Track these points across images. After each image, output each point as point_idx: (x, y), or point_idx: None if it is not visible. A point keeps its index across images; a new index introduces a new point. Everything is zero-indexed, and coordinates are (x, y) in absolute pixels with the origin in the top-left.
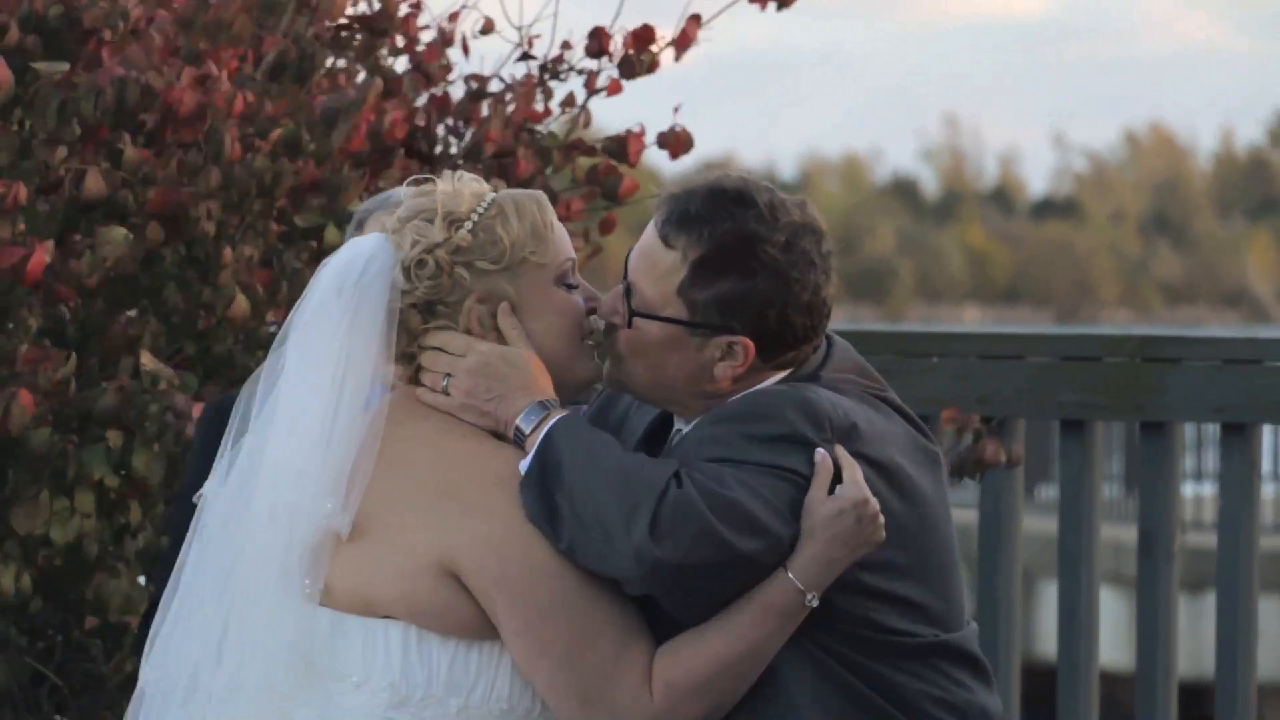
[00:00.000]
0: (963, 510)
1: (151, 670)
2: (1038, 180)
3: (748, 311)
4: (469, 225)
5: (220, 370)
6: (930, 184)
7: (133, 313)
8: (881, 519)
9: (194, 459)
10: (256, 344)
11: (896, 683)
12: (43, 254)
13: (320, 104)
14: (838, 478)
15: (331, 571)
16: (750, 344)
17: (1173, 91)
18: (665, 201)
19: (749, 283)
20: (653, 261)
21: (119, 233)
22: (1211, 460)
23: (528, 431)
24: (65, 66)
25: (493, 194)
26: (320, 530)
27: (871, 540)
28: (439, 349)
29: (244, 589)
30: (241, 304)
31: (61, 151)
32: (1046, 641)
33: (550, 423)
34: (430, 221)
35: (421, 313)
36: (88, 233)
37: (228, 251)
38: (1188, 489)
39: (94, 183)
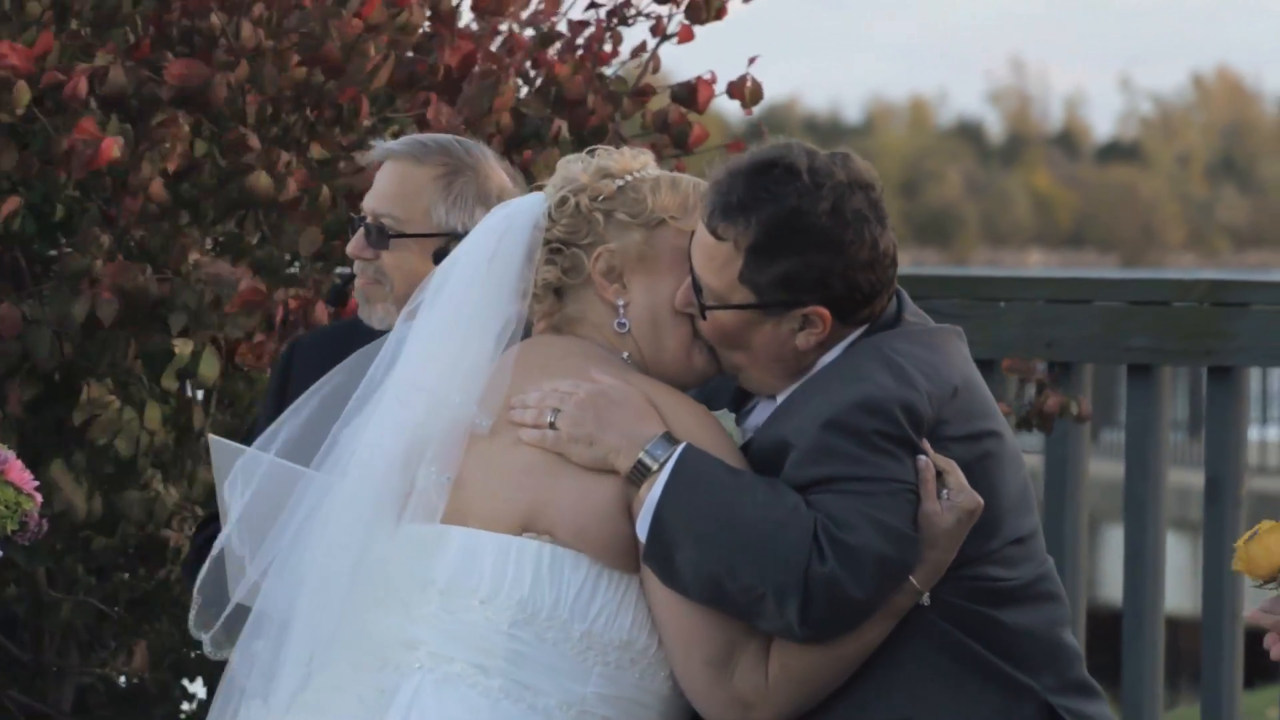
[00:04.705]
0: (1029, 456)
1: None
2: (1104, 124)
3: (811, 283)
4: (619, 182)
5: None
6: (995, 127)
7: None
8: (982, 504)
9: (267, 398)
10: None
11: (1001, 624)
12: (113, 144)
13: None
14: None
15: (490, 492)
16: (825, 311)
17: (1240, 34)
18: (708, 192)
19: (804, 257)
20: (709, 255)
21: (184, 130)
22: (1277, 405)
23: (654, 466)
24: None
25: (658, 170)
26: (453, 422)
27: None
28: (552, 389)
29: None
30: (262, 180)
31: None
32: (1112, 586)
33: (674, 458)
34: (584, 169)
35: (551, 251)
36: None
37: (254, 138)
38: (1252, 433)
39: (116, 74)
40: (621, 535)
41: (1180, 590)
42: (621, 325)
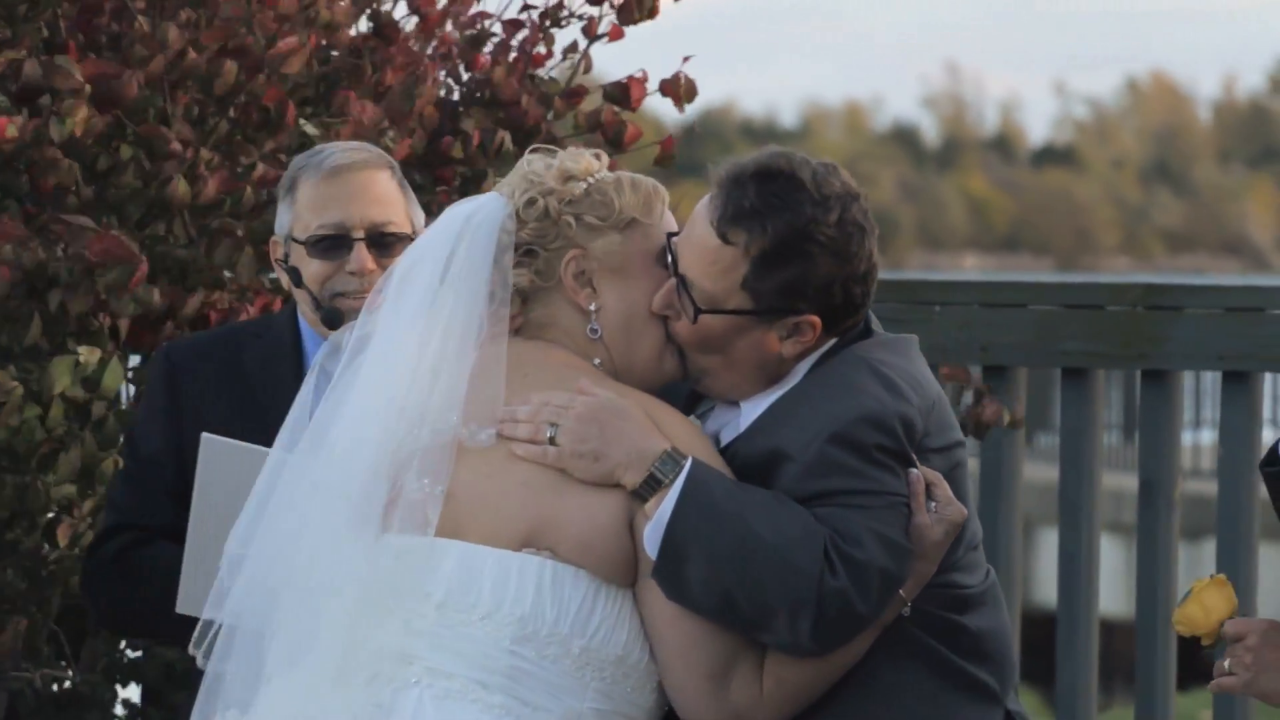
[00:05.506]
0: None
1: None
2: (1038, 128)
3: (812, 292)
4: (584, 185)
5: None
6: (931, 132)
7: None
8: (966, 515)
9: (151, 413)
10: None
11: (965, 629)
12: (6, 122)
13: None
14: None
15: (488, 507)
16: (817, 320)
17: (1174, 39)
18: (717, 195)
19: (811, 265)
20: (712, 258)
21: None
22: (1209, 408)
23: (665, 481)
24: None
25: (612, 172)
26: (437, 434)
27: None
28: (544, 402)
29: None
30: (181, 187)
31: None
32: (1046, 589)
33: (684, 472)
34: (547, 169)
35: (520, 255)
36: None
37: (175, 144)
38: (1186, 437)
39: (31, 68)
40: (622, 550)
41: (1114, 593)
42: (594, 331)
